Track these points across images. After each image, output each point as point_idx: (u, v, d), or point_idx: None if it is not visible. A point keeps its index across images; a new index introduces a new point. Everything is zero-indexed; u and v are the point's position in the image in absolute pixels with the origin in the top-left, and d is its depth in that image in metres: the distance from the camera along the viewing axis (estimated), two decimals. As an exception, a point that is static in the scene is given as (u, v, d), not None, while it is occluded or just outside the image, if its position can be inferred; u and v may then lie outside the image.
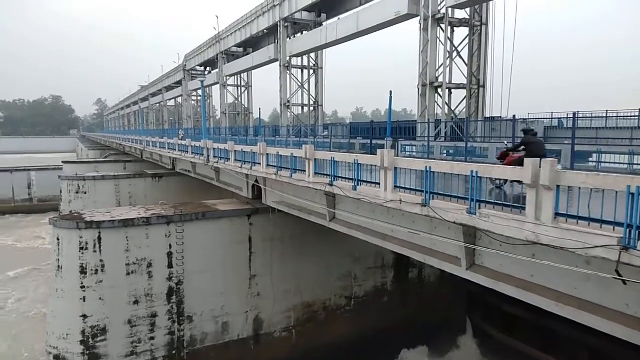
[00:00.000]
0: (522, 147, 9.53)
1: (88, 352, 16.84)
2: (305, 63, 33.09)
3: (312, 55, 32.55)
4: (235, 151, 20.13)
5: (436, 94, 21.23)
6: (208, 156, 23.62)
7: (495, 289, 9.13)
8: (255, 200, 20.46)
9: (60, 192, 38.98)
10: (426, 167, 9.37)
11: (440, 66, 21.12)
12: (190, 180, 31.69)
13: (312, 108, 33.63)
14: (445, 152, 17.09)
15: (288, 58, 30.85)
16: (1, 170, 61.58)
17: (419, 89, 21.10)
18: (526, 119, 17.91)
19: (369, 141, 19.42)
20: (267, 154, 16.95)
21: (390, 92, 17.06)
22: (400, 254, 11.98)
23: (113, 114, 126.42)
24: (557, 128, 17.06)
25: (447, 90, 21.63)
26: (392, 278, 23.05)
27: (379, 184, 10.95)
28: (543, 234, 7.13)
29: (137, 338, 17.49)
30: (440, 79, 21.16)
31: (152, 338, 17.73)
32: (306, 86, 33.17)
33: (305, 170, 14.04)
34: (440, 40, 20.72)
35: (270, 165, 16.77)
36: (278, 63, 31.71)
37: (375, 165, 10.96)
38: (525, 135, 9.63)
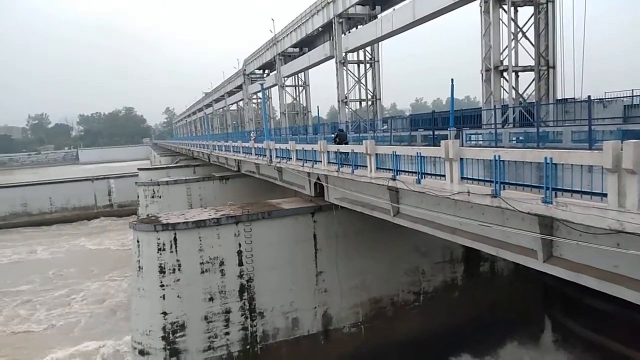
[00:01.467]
0: None
1: (169, 347, 17.90)
2: (362, 57, 32.88)
3: (368, 49, 32.27)
4: (296, 150, 20.46)
5: (501, 78, 20.25)
6: (271, 157, 24.20)
7: (576, 282, 8.57)
8: (318, 198, 20.67)
9: (138, 197, 41.70)
10: (495, 155, 8.97)
11: (505, 49, 20.11)
12: (255, 181, 32.65)
13: (370, 102, 33.38)
14: (514, 139, 16.25)
15: (344, 54, 30.80)
16: (84, 180, 67.22)
17: (482, 74, 20.23)
18: (602, 99, 16.62)
19: (431, 132, 18.93)
20: (328, 152, 17.06)
21: (452, 79, 16.54)
22: (470, 247, 11.59)
23: (181, 122, 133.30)
24: (638, 107, 15.67)
25: (513, 74, 20.56)
26: (462, 272, 22.36)
27: (443, 176, 10.65)
28: (628, 221, 6.59)
29: (214, 333, 18.34)
30: (505, 62, 20.14)
31: (227, 333, 18.51)
32: (363, 81, 32.96)
33: (366, 166, 13.98)
34: (503, 22, 19.73)
35: (332, 163, 16.87)
36: (334, 60, 31.78)
37: (439, 157, 10.67)
38: None
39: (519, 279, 22.59)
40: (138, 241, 18.59)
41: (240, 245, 18.71)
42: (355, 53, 32.23)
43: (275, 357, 18.98)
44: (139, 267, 18.45)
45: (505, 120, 18.84)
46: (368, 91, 33.11)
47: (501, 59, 20.09)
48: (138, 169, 56.87)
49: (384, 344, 20.19)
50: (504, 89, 20.32)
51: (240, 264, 18.68)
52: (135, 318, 18.95)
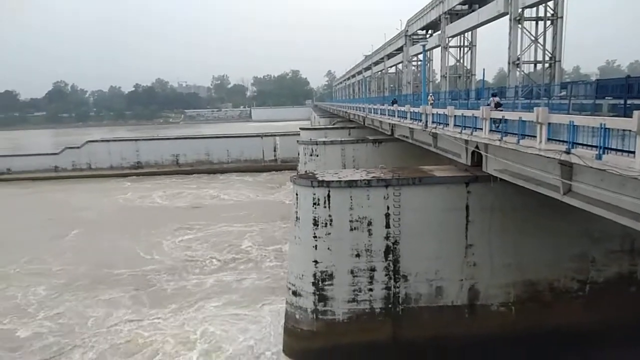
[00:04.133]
0: None
1: (318, 292, 19.43)
2: (541, 14, 29.06)
3: (550, 3, 28.32)
4: (455, 116, 19.49)
5: None
6: (426, 122, 23.53)
7: None
8: (474, 168, 19.55)
9: (298, 154, 45.02)
10: None
11: None
12: (408, 146, 32.27)
13: (546, 65, 29.60)
14: None
15: (520, 10, 27.59)
16: (254, 136, 75.17)
17: None
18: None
19: (621, 101, 16.07)
20: (491, 118, 15.85)
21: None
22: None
23: (340, 84, 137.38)
24: None
25: None
26: (644, 267, 19.15)
27: (633, 152, 9.06)
28: None
29: (358, 287, 19.27)
30: None
31: (371, 290, 19.26)
32: (540, 40, 29.25)
33: (535, 136, 12.63)
34: None
35: (494, 131, 15.67)
36: (508, 17, 28.73)
37: (630, 131, 9.07)
38: None
39: None
40: (297, 194, 20.20)
41: (388, 208, 18.95)
42: (534, 9, 28.60)
43: (416, 320, 19.16)
44: (297, 217, 20.12)
45: None
46: (546, 52, 29.34)
47: None
48: (300, 128, 61.12)
49: (535, 329, 18.73)
50: None
51: (387, 226, 18.97)
52: (291, 262, 20.93)
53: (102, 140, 75.42)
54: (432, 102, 23.48)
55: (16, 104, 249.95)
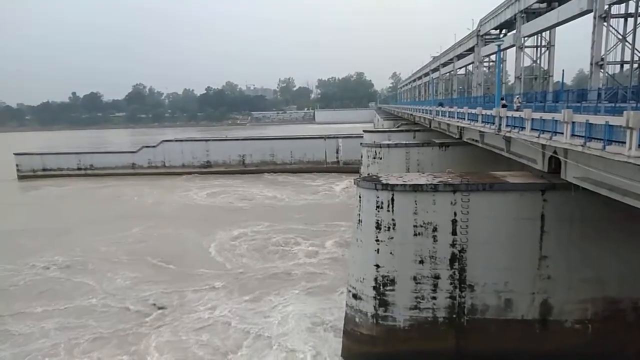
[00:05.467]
0: None
1: (379, 297, 19.15)
2: (632, 10, 26.75)
3: (642, -2, 25.98)
4: (532, 119, 18.40)
5: None
6: (499, 125, 22.45)
7: None
8: (551, 175, 18.34)
9: (361, 156, 44.81)
10: None
11: None
12: (477, 150, 30.99)
13: (635, 66, 27.20)
14: None
15: (606, 7, 25.60)
16: (318, 137, 76.02)
17: None
18: None
19: None
20: (573, 122, 14.78)
21: None
22: None
23: (405, 86, 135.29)
24: None
25: None
26: None
27: None
28: None
29: (421, 295, 18.75)
30: None
31: (434, 298, 18.68)
32: (629, 39, 26.93)
33: (624, 142, 11.60)
34: None
35: (576, 135, 14.60)
36: (592, 15, 26.74)
37: None
38: None
39: None
40: (360, 197, 20.06)
41: (455, 214, 18.28)
42: (622, 5, 26.39)
43: (482, 333, 18.32)
44: (359, 220, 19.98)
45: None
46: (635, 52, 26.96)
47: None
48: (363, 130, 60.84)
49: (614, 350, 17.29)
50: None
51: (454, 233, 18.31)
52: (352, 265, 20.82)
53: (176, 140, 79.67)
54: (519, 104, 21.46)
55: (100, 105, 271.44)
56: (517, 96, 20.30)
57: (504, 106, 23.02)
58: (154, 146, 76.25)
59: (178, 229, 41.43)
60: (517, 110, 20.83)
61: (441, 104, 43.91)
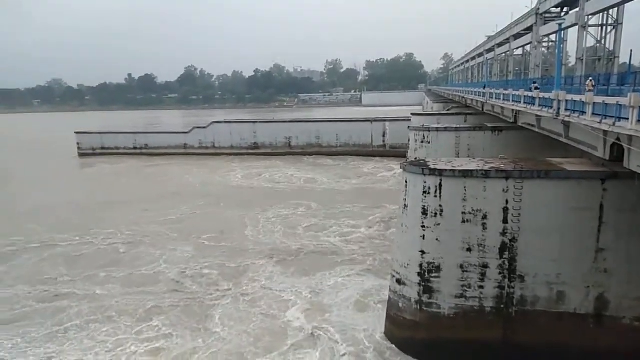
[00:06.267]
0: None
1: (423, 284, 18.93)
2: None
3: None
4: (594, 103, 17.26)
5: None
6: (558, 109, 21.24)
7: None
8: (612, 163, 17.19)
9: (408, 140, 43.91)
10: None
11: None
12: (532, 135, 29.56)
13: None
14: None
15: (685, -20, 23.38)
16: (364, 120, 75.18)
17: None
18: None
19: None
20: (640, 107, 13.71)
21: None
22: None
23: (457, 68, 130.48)
24: None
25: None
26: None
27: None
28: None
29: (467, 283, 18.36)
30: None
31: (481, 287, 18.24)
32: None
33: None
34: None
35: (644, 121, 13.55)
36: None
37: None
38: None
39: None
40: (406, 181, 19.74)
41: (507, 202, 17.62)
42: None
43: (532, 325, 17.75)
44: (405, 205, 19.71)
45: None
46: None
47: None
48: (411, 113, 59.46)
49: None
50: None
51: (505, 221, 17.68)
52: (397, 250, 20.65)
53: (225, 122, 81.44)
54: (592, 87, 19.50)
55: (154, 86, 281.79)
56: (590, 79, 18.85)
57: (536, 89, 21.91)
58: (204, 127, 78.39)
59: (227, 209, 42.72)
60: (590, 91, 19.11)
61: (485, 86, 42.28)
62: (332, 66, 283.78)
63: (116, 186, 56.13)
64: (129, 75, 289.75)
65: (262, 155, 73.69)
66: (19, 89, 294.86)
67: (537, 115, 25.89)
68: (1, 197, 50.68)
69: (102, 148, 79.80)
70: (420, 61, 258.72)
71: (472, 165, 18.82)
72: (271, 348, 19.87)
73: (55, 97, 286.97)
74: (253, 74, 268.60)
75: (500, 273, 17.91)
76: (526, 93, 28.19)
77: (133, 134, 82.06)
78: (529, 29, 47.35)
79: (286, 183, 54.96)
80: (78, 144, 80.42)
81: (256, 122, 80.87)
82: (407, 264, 19.43)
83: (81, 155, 79.28)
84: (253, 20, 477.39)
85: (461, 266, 18.32)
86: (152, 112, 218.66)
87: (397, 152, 64.85)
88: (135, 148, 78.85)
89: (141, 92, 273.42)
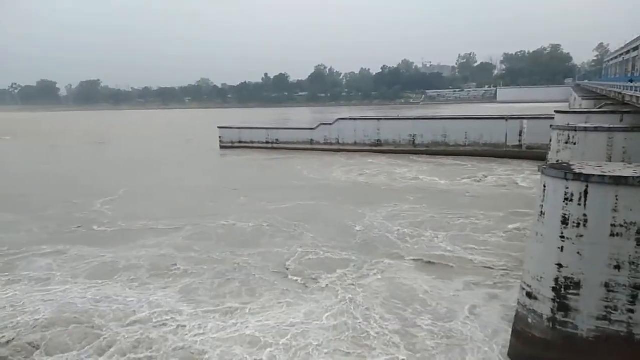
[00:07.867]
0: None
1: (559, 300, 17.07)
2: None
3: None
4: None
5: None
6: None
7: None
8: None
9: (550, 141, 39.83)
10: None
11: None
12: None
13: None
14: None
15: None
16: (498, 118, 70.16)
17: None
18: None
19: None
20: None
21: None
22: None
23: (614, 60, 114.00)
24: None
25: None
26: None
27: None
28: None
29: (613, 305, 16.09)
30: None
31: (631, 311, 15.82)
32: None
33: None
34: None
35: None
36: None
37: None
38: None
39: None
40: (544, 186, 17.95)
41: (670, 215, 14.99)
42: None
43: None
44: (541, 212, 17.95)
45: None
46: None
47: None
48: (555, 111, 53.61)
49: None
50: None
51: (668, 238, 15.08)
52: (529, 260, 18.94)
53: (350, 119, 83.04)
54: None
55: (286, 84, 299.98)
56: None
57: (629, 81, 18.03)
58: (330, 124, 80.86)
59: (349, 205, 43.16)
60: None
61: (631, 80, 36.32)
62: (464, 60, 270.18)
63: (243, 175, 61.45)
64: (265, 74, 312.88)
65: (386, 152, 73.34)
66: (174, 88, 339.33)
67: None
68: (159, 181, 58.39)
69: (240, 142, 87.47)
70: (569, 53, 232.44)
71: (628, 172, 16.37)
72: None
73: (203, 95, 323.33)
74: (380, 70, 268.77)
75: (659, 298, 15.35)
76: None
77: (266, 129, 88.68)
78: None
79: (406, 181, 53.78)
80: (220, 137, 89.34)
81: (380, 119, 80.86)
82: (541, 277, 17.69)
83: (222, 147, 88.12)
84: (385, 17, 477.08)
85: (606, 285, 16.09)
86: (284, 109, 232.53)
87: (534, 154, 59.17)
88: (267, 142, 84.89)
89: (275, 91, 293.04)
